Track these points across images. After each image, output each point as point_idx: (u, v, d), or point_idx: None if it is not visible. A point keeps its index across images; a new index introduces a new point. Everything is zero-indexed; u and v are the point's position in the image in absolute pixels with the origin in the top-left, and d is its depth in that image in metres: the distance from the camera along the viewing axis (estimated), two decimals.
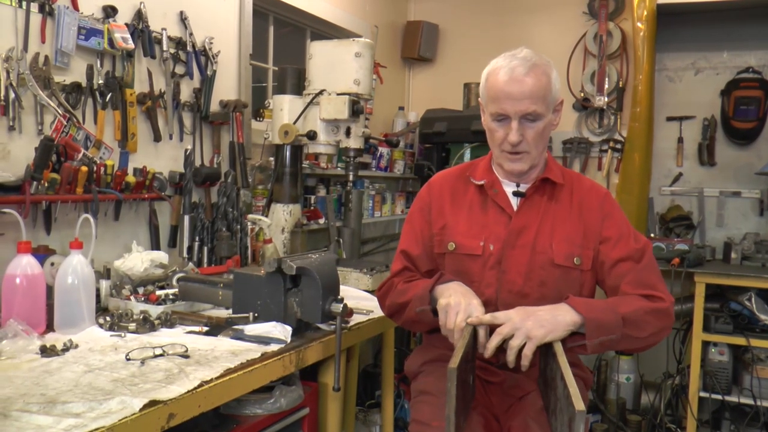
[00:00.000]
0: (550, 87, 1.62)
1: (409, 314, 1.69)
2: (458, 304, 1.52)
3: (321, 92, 2.65)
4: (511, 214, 1.71)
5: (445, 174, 1.87)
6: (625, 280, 1.63)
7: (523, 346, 1.46)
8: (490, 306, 1.65)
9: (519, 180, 1.73)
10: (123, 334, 1.71)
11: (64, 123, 2.06)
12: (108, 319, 1.80)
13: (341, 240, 2.98)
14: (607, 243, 1.68)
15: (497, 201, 1.72)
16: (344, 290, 2.04)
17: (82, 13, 2.10)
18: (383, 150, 3.89)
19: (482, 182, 1.75)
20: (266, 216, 2.78)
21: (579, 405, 1.19)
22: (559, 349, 1.44)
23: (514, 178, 1.73)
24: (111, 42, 2.19)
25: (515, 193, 1.73)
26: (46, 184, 1.93)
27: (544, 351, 1.50)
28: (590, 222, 1.70)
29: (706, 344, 3.28)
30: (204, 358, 1.55)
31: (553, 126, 1.70)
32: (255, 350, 1.63)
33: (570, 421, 1.22)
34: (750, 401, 3.20)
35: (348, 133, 2.69)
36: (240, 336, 1.72)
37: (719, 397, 3.24)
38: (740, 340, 3.18)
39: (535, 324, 1.47)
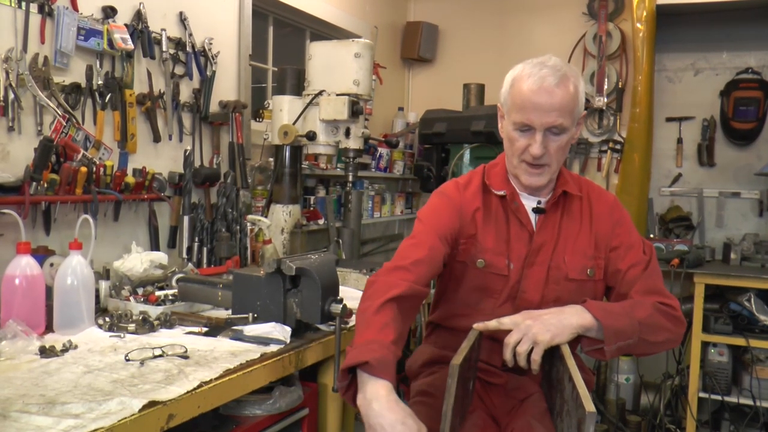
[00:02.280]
0: (577, 99, 1.57)
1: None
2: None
3: (320, 93, 2.65)
4: (531, 231, 1.67)
5: (467, 182, 1.74)
6: (635, 288, 1.62)
7: (531, 350, 1.46)
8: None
9: (536, 192, 1.69)
10: (122, 335, 1.71)
11: (64, 123, 2.06)
12: (107, 319, 1.79)
13: (341, 241, 2.98)
14: (617, 251, 1.67)
15: (519, 216, 1.67)
16: (344, 291, 2.04)
17: (81, 13, 2.10)
18: (383, 150, 3.89)
19: (503, 193, 1.69)
20: (266, 217, 2.79)
21: (589, 407, 1.18)
22: (566, 351, 1.43)
23: (531, 190, 1.68)
24: (110, 42, 2.19)
25: (536, 210, 1.68)
26: (45, 185, 1.93)
27: (549, 353, 1.50)
28: (601, 230, 1.68)
29: (705, 345, 3.29)
30: (203, 358, 1.55)
31: (574, 139, 1.65)
32: (254, 351, 1.63)
33: (579, 423, 1.22)
34: (749, 402, 3.20)
35: (347, 133, 2.69)
36: (239, 337, 1.72)
37: (719, 397, 3.25)
38: (740, 341, 3.18)
39: (541, 328, 1.46)
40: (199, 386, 1.37)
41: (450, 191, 1.72)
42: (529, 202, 1.69)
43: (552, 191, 1.70)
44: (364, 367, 1.32)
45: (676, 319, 1.59)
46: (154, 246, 2.42)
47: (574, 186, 1.71)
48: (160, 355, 1.52)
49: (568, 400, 1.34)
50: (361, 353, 1.33)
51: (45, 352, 1.53)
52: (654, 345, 1.56)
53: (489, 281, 1.66)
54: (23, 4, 1.95)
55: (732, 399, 3.24)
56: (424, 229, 1.63)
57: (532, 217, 1.68)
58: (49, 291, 1.76)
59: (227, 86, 2.80)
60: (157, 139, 2.43)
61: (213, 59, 2.66)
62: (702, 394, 3.27)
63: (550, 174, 1.63)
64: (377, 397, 1.28)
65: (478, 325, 1.52)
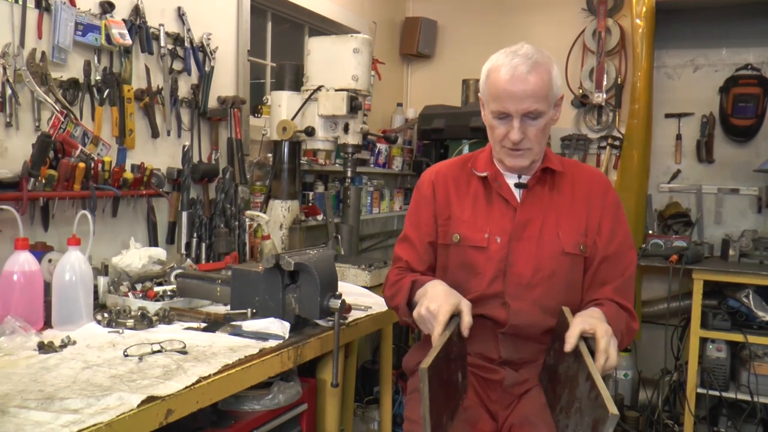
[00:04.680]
0: (551, 84, 1.62)
1: (401, 319, 1.74)
2: (429, 314, 1.50)
3: (319, 88, 2.64)
4: (516, 206, 1.71)
5: (446, 164, 1.86)
6: (613, 286, 1.66)
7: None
8: (497, 298, 1.67)
9: (521, 172, 1.74)
10: (121, 331, 1.71)
11: (62, 119, 2.05)
12: (106, 315, 1.79)
13: (339, 236, 2.98)
14: (601, 236, 1.70)
15: (501, 193, 1.72)
16: (342, 286, 2.04)
17: (79, 8, 2.09)
18: (381, 146, 3.88)
19: (485, 174, 1.74)
20: (264, 212, 2.78)
21: (612, 409, 1.17)
22: (584, 349, 1.42)
23: (515, 170, 1.73)
24: (108, 38, 2.18)
25: (517, 185, 1.72)
26: (43, 181, 1.93)
27: (559, 347, 1.49)
28: (592, 211, 1.72)
29: (703, 341, 3.29)
30: (202, 354, 1.55)
31: (554, 121, 1.70)
32: (253, 346, 1.63)
33: (596, 423, 1.21)
34: (747, 397, 3.21)
35: (346, 129, 2.68)
36: (238, 332, 1.72)
37: (717, 393, 3.25)
38: (738, 337, 3.19)
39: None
40: (198, 381, 1.38)
41: (425, 182, 1.83)
42: (512, 181, 1.74)
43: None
44: (415, 287, 1.64)
45: (632, 335, 1.66)
46: (153, 242, 2.42)
47: (557, 163, 1.75)
48: (159, 351, 1.52)
49: (582, 398, 1.32)
50: (404, 286, 1.67)
51: (43, 347, 1.53)
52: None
53: (470, 257, 1.70)
54: None
55: (730, 395, 3.25)
56: (408, 224, 1.83)
57: (516, 192, 1.72)
58: (47, 287, 1.76)
59: (226, 82, 2.80)
60: (155, 134, 2.43)
61: (211, 55, 2.65)
62: (700, 390, 3.28)
63: (532, 156, 1.68)
64: (432, 285, 1.59)
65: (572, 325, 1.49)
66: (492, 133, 1.69)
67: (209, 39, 2.64)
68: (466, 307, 1.51)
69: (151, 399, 1.26)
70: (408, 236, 1.81)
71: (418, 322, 1.55)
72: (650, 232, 3.72)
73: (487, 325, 1.68)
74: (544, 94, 1.60)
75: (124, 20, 2.26)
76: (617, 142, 3.92)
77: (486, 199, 1.74)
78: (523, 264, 1.67)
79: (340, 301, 1.76)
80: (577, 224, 1.70)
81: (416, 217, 1.81)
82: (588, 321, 1.47)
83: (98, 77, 2.19)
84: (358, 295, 2.29)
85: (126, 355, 1.49)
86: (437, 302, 1.50)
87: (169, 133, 2.50)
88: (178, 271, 2.08)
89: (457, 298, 1.53)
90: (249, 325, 1.74)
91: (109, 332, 1.71)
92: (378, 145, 3.85)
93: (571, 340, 1.43)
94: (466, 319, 1.49)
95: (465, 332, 1.49)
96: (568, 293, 1.68)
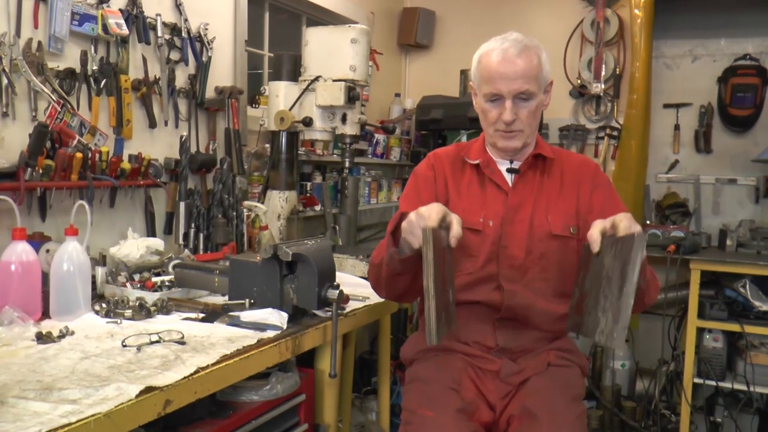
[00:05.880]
0: (541, 67, 1.67)
1: (386, 271, 1.60)
2: (419, 217, 1.41)
3: (317, 78, 2.64)
4: (508, 191, 1.74)
5: (443, 150, 1.89)
6: None
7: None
8: (491, 281, 1.69)
9: (512, 158, 1.77)
10: (119, 321, 1.71)
11: (59, 109, 2.04)
12: (104, 305, 1.80)
13: (337, 227, 2.98)
14: (593, 213, 1.71)
15: (493, 179, 1.76)
16: (340, 277, 2.05)
17: None
18: (379, 137, 3.88)
19: (477, 161, 1.78)
20: (262, 203, 2.78)
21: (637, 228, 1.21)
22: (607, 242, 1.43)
23: (507, 156, 1.76)
24: (105, 28, 2.17)
25: (509, 170, 1.76)
26: (40, 171, 1.92)
27: (581, 276, 1.51)
28: (582, 194, 1.75)
29: (700, 331, 3.30)
30: (200, 344, 1.55)
31: (544, 106, 1.75)
32: (251, 337, 1.64)
33: (624, 265, 1.25)
34: (743, 387, 3.22)
35: (344, 119, 2.68)
36: (236, 322, 1.73)
37: (713, 383, 3.27)
38: (735, 327, 3.20)
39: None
40: (196, 372, 1.38)
41: (425, 166, 1.85)
42: (504, 167, 1.78)
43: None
44: (403, 216, 1.48)
45: (656, 285, 1.66)
46: (151, 232, 2.42)
47: (548, 150, 1.79)
48: (157, 341, 1.53)
49: (610, 266, 1.36)
50: (392, 225, 1.55)
51: (42, 338, 1.53)
52: (641, 305, 1.59)
53: (465, 239, 1.67)
54: None
55: (726, 384, 3.26)
56: (406, 205, 1.73)
57: (508, 178, 1.76)
58: (45, 277, 1.76)
59: (223, 72, 2.79)
60: (152, 125, 2.42)
61: (209, 45, 2.64)
62: (697, 380, 3.29)
63: (524, 138, 1.71)
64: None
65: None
66: (485, 118, 1.73)
67: (206, 29, 2.63)
68: (456, 217, 1.44)
69: (149, 389, 1.26)
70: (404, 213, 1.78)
71: (406, 232, 1.44)
72: (648, 222, 3.72)
73: (483, 312, 1.70)
74: (534, 74, 1.65)
75: (120, 10, 2.24)
76: (615, 133, 3.92)
77: (479, 185, 1.78)
78: (516, 246, 1.70)
79: (338, 291, 1.77)
80: (567, 207, 1.74)
81: (416, 197, 1.77)
82: (605, 219, 1.46)
83: (95, 67, 2.18)
84: (356, 285, 2.29)
85: (124, 346, 1.50)
86: (428, 207, 1.43)
87: (166, 124, 2.49)
88: (176, 261, 2.08)
89: (446, 207, 1.46)
90: (247, 315, 1.74)
91: (107, 322, 1.71)
92: (376, 135, 3.84)
93: (594, 239, 1.41)
94: (456, 228, 1.41)
95: (453, 242, 1.41)
96: (560, 276, 1.71)
